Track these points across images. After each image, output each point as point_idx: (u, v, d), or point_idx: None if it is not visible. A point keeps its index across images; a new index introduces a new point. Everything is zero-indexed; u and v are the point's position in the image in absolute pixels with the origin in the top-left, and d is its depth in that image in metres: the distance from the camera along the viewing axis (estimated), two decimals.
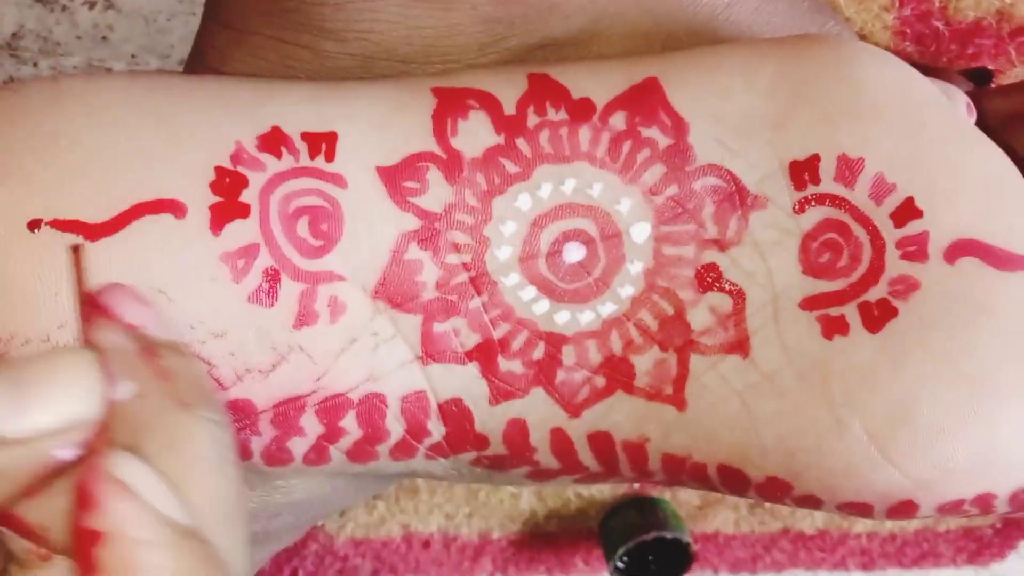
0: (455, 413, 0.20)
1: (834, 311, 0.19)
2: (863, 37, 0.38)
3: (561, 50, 0.23)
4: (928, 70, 0.38)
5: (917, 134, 0.20)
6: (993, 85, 0.39)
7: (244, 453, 0.19)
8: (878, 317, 0.19)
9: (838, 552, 0.62)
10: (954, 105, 0.22)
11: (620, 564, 0.53)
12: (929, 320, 0.19)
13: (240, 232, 0.18)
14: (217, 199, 0.18)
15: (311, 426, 0.19)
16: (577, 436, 0.20)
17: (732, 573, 0.62)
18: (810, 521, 0.59)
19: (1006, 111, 0.31)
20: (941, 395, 0.19)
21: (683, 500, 0.56)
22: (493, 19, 0.22)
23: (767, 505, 0.57)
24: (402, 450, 0.20)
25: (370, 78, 0.22)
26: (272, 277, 0.19)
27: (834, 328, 0.19)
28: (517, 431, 0.20)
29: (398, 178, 0.19)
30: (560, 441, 0.20)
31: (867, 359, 0.19)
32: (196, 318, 0.18)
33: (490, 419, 0.20)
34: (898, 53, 0.39)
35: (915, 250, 0.19)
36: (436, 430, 0.20)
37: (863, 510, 0.20)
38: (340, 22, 0.21)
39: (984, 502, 0.19)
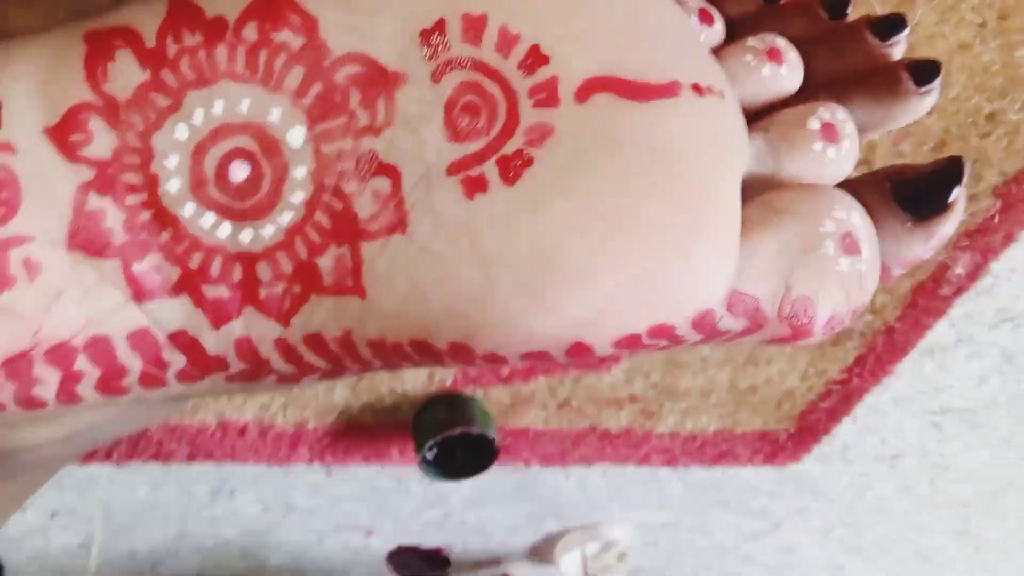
0: (185, 343, 0.21)
1: (474, 171, 0.19)
2: None
3: None
4: None
5: None
6: None
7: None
8: (514, 168, 0.20)
9: (642, 449, 0.66)
10: None
11: (428, 456, 0.56)
12: (566, 163, 0.19)
13: None
14: None
15: (47, 374, 0.20)
16: (296, 342, 0.21)
17: (543, 465, 0.66)
18: (615, 421, 0.63)
19: None
20: (583, 236, 0.19)
21: (494, 399, 0.59)
22: None
23: (574, 404, 0.61)
24: (150, 380, 0.21)
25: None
26: None
27: (474, 187, 0.19)
28: (247, 348, 0.21)
29: (64, 133, 0.20)
30: (285, 349, 0.21)
31: (506, 211, 0.19)
32: None
33: (218, 343, 0.21)
34: None
35: (545, 96, 0.20)
36: (175, 359, 0.21)
37: (544, 358, 0.20)
38: None
39: (663, 332, 0.20)
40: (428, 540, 0.74)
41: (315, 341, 0.21)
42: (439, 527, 0.73)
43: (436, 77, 0.20)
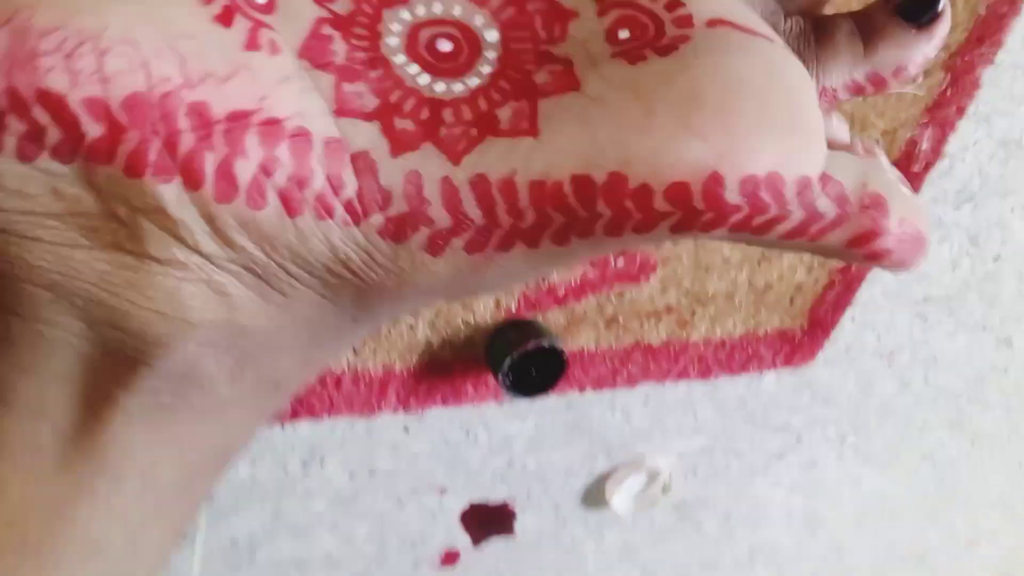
0: (364, 164, 0.24)
1: (635, 51, 0.26)
2: None
3: None
4: None
5: None
6: None
7: (197, 177, 0.22)
8: (667, 49, 0.26)
9: (680, 362, 0.73)
10: None
11: (507, 371, 0.62)
12: (705, 49, 0.26)
13: None
14: None
15: (253, 148, 0.23)
16: (460, 183, 0.24)
17: (596, 389, 0.73)
18: (656, 334, 0.70)
19: None
20: (723, 83, 0.25)
21: (552, 322, 0.66)
22: None
23: (620, 320, 0.68)
24: (323, 204, 0.23)
25: None
26: (229, 8, 0.24)
27: (636, 58, 0.26)
28: (414, 182, 0.24)
29: None
30: (448, 191, 0.24)
31: (664, 68, 0.25)
32: (170, 24, 0.22)
33: (391, 171, 0.24)
34: None
35: (683, 22, 0.26)
36: (350, 181, 0.24)
37: (684, 192, 0.24)
38: None
39: (774, 188, 0.24)
40: (495, 494, 0.80)
41: (478, 184, 0.25)
42: (503, 478, 0.79)
43: (600, 12, 0.27)
